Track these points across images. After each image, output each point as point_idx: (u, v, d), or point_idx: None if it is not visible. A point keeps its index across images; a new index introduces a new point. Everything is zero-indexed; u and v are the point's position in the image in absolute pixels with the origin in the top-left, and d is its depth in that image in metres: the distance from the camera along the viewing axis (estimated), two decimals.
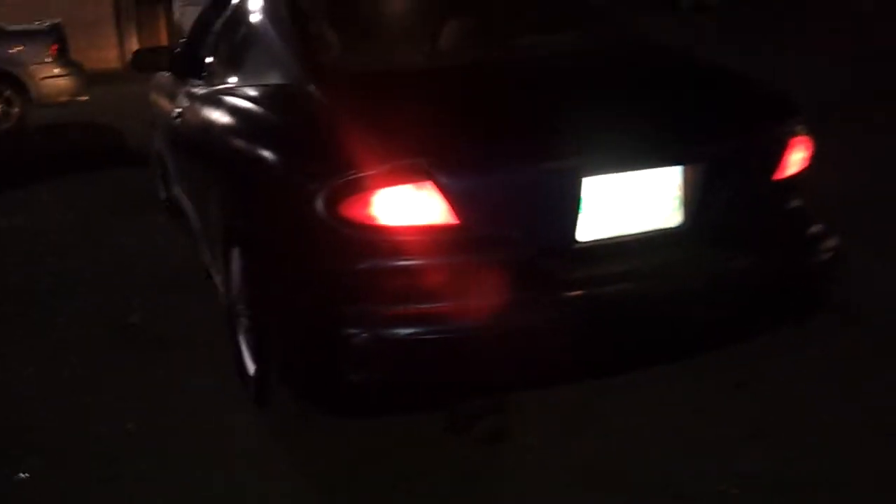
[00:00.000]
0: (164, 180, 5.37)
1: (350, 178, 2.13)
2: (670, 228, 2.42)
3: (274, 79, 2.90)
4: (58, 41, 9.80)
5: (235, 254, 2.82)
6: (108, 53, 16.68)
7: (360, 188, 2.13)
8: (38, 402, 3.11)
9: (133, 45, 19.34)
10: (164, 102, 4.77)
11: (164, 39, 20.36)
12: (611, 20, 3.55)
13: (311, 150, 2.35)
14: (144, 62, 4.73)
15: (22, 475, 2.62)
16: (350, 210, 2.15)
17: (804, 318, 2.73)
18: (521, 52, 3.28)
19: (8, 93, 9.56)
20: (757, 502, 2.32)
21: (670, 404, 2.81)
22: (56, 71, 9.71)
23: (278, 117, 2.66)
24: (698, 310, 2.39)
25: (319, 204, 2.15)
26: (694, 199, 2.41)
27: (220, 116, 3.07)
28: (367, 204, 2.14)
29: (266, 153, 2.55)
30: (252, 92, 2.93)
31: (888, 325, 3.31)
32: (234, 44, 3.47)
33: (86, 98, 10.01)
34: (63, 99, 9.83)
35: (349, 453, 2.62)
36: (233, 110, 2.97)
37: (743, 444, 2.57)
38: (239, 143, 2.82)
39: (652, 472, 2.46)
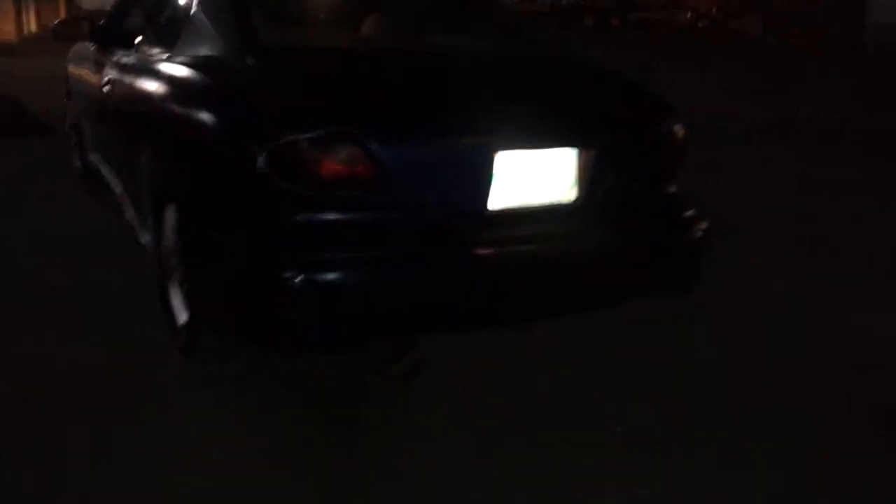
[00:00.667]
0: (81, 149, 5.46)
1: (290, 139, 2.40)
2: (566, 203, 2.77)
3: (212, 51, 3.12)
4: None
5: (170, 211, 3.03)
6: (5, 26, 16.22)
7: (298, 150, 2.40)
8: None
9: (32, 19, 18.84)
10: (85, 72, 4.89)
11: (62, 16, 19.82)
12: (524, 28, 4.00)
13: (253, 114, 2.59)
14: (65, 32, 4.84)
15: None
16: (288, 169, 2.41)
17: (678, 289, 3.13)
18: (443, 45, 3.67)
19: None
20: (642, 445, 2.67)
21: (565, 363, 3.19)
22: None
23: (220, 85, 2.88)
24: (586, 273, 2.76)
25: (261, 163, 2.41)
26: (587, 179, 2.78)
27: (157, 84, 3.26)
28: (303, 164, 2.42)
29: (208, 117, 2.79)
30: (191, 62, 3.14)
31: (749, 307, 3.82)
32: (169, 17, 3.68)
33: None
34: None
35: (272, 392, 2.90)
36: (171, 79, 3.17)
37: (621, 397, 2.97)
38: (178, 108, 3.04)
39: (544, 416, 2.81)
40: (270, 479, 2.42)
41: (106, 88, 4.11)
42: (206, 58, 3.12)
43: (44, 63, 11.08)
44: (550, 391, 2.99)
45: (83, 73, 4.98)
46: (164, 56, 3.43)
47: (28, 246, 4.42)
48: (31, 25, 19.94)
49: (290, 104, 2.56)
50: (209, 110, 2.79)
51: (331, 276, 2.39)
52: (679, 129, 3.04)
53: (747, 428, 2.80)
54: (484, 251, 2.60)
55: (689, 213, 3.07)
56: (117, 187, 4.22)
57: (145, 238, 3.50)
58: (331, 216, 2.46)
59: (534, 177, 2.69)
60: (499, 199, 2.63)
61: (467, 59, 3.38)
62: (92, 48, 4.67)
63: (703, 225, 3.05)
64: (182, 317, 3.02)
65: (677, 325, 3.52)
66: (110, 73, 4.10)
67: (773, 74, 15.08)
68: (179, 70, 3.16)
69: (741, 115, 9.58)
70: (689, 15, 32.13)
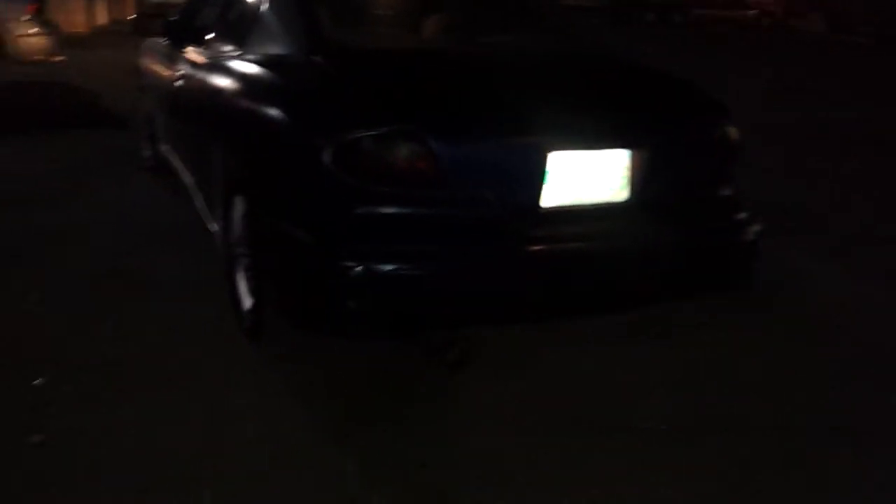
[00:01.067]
0: (151, 140, 5.70)
1: (356, 136, 2.54)
2: (617, 202, 2.87)
3: (281, 49, 3.28)
4: (36, 1, 9.98)
5: (238, 201, 3.20)
6: (76, 18, 16.76)
7: (363, 146, 2.54)
8: (42, 330, 3.39)
9: (102, 12, 19.40)
10: (157, 67, 5.11)
11: (130, 8, 20.37)
12: (580, 29, 4.08)
13: (320, 111, 2.74)
14: (144, 27, 5.07)
15: (38, 381, 2.96)
16: (353, 164, 2.56)
17: (726, 289, 3.21)
18: (502, 46, 3.80)
19: None
20: (680, 437, 2.75)
21: (611, 355, 3.28)
22: (33, 30, 9.91)
23: (289, 83, 3.05)
24: (635, 271, 2.85)
25: (327, 158, 2.55)
26: (638, 180, 2.86)
27: (228, 81, 3.44)
28: (367, 160, 2.56)
29: (277, 114, 2.93)
30: (261, 60, 3.30)
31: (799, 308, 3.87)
32: (239, 15, 3.86)
33: (62, 58, 10.19)
34: (38, 58, 10.03)
35: (327, 375, 3.06)
36: (242, 76, 3.34)
37: (668, 389, 3.05)
38: (249, 104, 3.19)
39: (587, 410, 2.89)
40: (317, 454, 2.57)
41: (178, 83, 4.31)
42: (276, 56, 3.29)
43: (115, 56, 11.47)
44: (592, 382, 3.08)
45: (155, 67, 5.21)
46: (235, 53, 3.60)
47: (104, 232, 4.63)
48: (102, 18, 20.55)
49: (356, 102, 2.71)
50: (279, 107, 2.94)
51: (389, 267, 2.52)
52: (731, 131, 3.10)
53: (783, 426, 2.85)
54: (536, 247, 2.70)
55: (741, 215, 3.12)
56: (187, 177, 4.42)
57: (213, 226, 3.68)
58: (391, 210, 2.59)
59: (586, 176, 2.79)
60: (552, 197, 2.74)
61: (524, 59, 3.49)
62: (164, 43, 4.88)
63: (755, 228, 3.10)
64: (247, 302, 3.18)
65: (727, 322, 3.59)
66: (182, 69, 4.30)
67: (839, 73, 14.84)
68: (250, 67, 3.33)
69: (807, 114, 9.48)
70: (753, 12, 31.68)
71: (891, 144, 8.12)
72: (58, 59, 10.18)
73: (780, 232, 3.28)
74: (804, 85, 11.83)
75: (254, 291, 3.12)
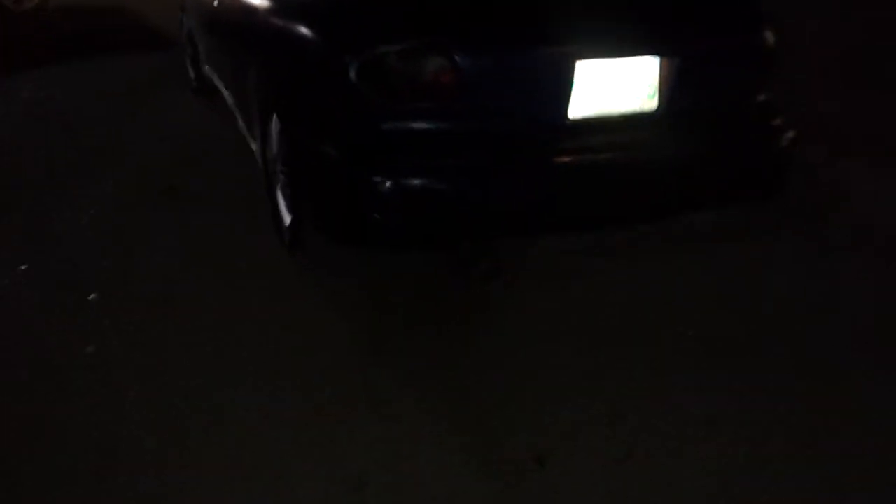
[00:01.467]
0: (194, 61, 5.77)
1: (381, 50, 2.57)
2: (647, 112, 2.85)
3: None
4: None
5: (274, 120, 3.26)
6: None
7: (389, 59, 2.57)
8: (94, 246, 3.58)
9: None
10: None
11: None
12: None
13: (345, 26, 2.76)
14: None
15: (92, 296, 3.13)
16: (379, 78, 2.59)
17: (761, 198, 3.20)
18: None
19: None
20: (714, 349, 2.77)
21: (644, 268, 3.31)
22: None
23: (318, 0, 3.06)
24: (665, 180, 2.86)
25: (352, 73, 2.59)
26: (668, 88, 2.84)
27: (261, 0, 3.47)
28: (393, 73, 2.59)
29: (304, 30, 2.95)
30: None
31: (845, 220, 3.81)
32: None
33: None
34: None
35: (366, 288, 3.16)
36: None
37: (702, 306, 3.06)
38: (278, 20, 3.22)
39: (619, 322, 2.94)
40: (350, 364, 2.69)
41: (216, 2, 4.34)
42: None
43: None
44: (628, 295, 3.11)
45: None
46: None
47: (154, 151, 4.77)
48: None
49: (380, 16, 2.71)
50: (307, 24, 2.96)
51: (416, 181, 2.58)
52: (768, 36, 3.03)
53: (821, 342, 2.84)
54: (564, 159, 2.73)
55: (776, 121, 3.08)
56: (229, 98, 4.49)
57: (254, 145, 3.77)
58: (417, 125, 2.63)
59: (614, 85, 2.77)
60: (579, 107, 2.74)
61: None
62: None
63: (790, 134, 3.07)
64: (287, 218, 3.28)
65: (765, 234, 3.58)
66: None
67: None
68: None
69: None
70: None
71: None
72: None
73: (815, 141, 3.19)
74: None
75: (292, 207, 3.21)
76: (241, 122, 4.15)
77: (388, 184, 2.55)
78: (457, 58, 2.57)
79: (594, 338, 2.83)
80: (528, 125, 2.71)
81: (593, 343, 2.80)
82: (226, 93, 4.61)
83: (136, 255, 3.48)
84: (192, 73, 5.94)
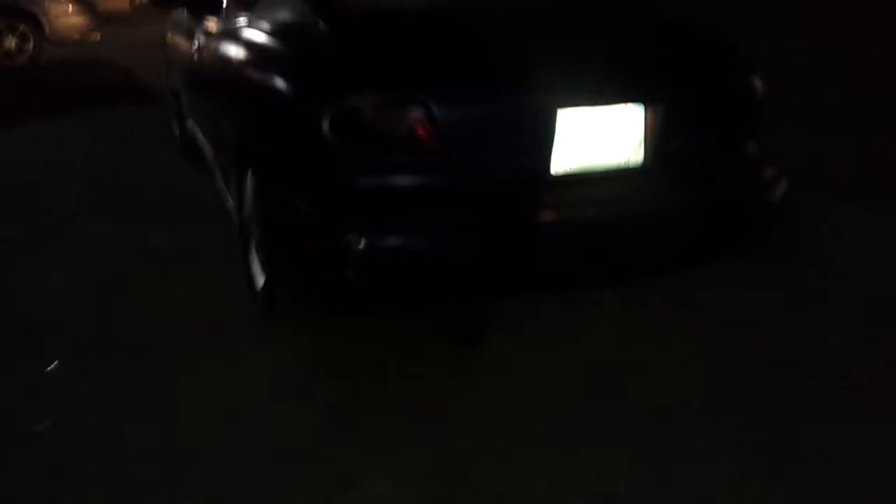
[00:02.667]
0: (179, 117, 5.68)
1: (354, 102, 2.45)
2: (633, 164, 2.72)
3: (288, 16, 3.18)
4: None
5: (249, 176, 3.14)
6: None
7: (363, 113, 2.45)
8: (66, 305, 3.43)
9: None
10: (180, 40, 5.06)
11: None
12: None
13: (319, 78, 2.64)
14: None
15: (53, 365, 2.95)
16: (353, 132, 2.46)
17: (746, 250, 3.06)
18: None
19: (23, 27, 9.80)
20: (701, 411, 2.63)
21: (627, 323, 3.18)
22: (71, 9, 9.97)
23: (289, 48, 2.93)
24: (650, 239, 2.71)
25: (326, 126, 2.46)
26: (654, 138, 2.70)
27: (235, 49, 3.36)
28: (368, 127, 2.46)
29: (277, 81, 2.84)
30: (267, 28, 3.21)
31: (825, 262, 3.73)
32: None
33: (98, 37, 10.26)
34: (76, 37, 10.10)
35: (341, 354, 2.99)
36: (247, 43, 3.25)
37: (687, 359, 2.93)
38: (252, 73, 3.12)
39: (606, 380, 2.79)
40: (324, 434, 2.52)
41: (196, 56, 4.26)
42: (282, 23, 3.19)
43: (153, 32, 11.49)
44: (610, 351, 2.97)
45: (178, 40, 5.15)
46: (245, 22, 3.52)
47: (135, 211, 4.63)
48: None
49: (355, 67, 2.59)
50: (280, 75, 2.84)
51: (393, 240, 2.44)
52: (755, 82, 2.92)
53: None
54: (547, 216, 2.59)
55: (767, 171, 2.96)
56: (209, 153, 4.38)
57: (230, 203, 3.64)
58: (394, 180, 2.49)
59: (598, 136, 2.65)
60: (562, 161, 2.61)
61: (532, 13, 3.20)
62: (186, 15, 4.82)
63: (782, 186, 2.94)
64: (260, 280, 3.14)
65: (744, 278, 3.46)
66: (199, 40, 4.24)
67: None
68: (256, 35, 3.24)
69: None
70: None
71: None
72: (95, 37, 10.25)
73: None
74: None
75: (264, 268, 3.07)
76: (219, 180, 4.03)
77: (362, 243, 2.41)
78: (433, 109, 2.44)
79: (587, 398, 2.69)
80: (510, 180, 2.56)
81: (586, 404, 2.66)
82: (206, 148, 4.50)
83: (105, 319, 3.31)
84: (176, 130, 5.84)
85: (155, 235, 4.18)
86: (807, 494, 2.25)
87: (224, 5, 4.02)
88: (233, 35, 3.54)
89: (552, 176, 2.61)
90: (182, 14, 5.03)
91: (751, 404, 2.65)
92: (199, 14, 4.42)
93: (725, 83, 2.89)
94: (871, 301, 3.36)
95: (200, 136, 4.73)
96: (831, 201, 4.35)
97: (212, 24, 4.10)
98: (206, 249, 3.95)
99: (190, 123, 5.15)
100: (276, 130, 2.83)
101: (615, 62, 2.73)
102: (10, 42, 9.75)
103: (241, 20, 3.58)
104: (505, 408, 2.63)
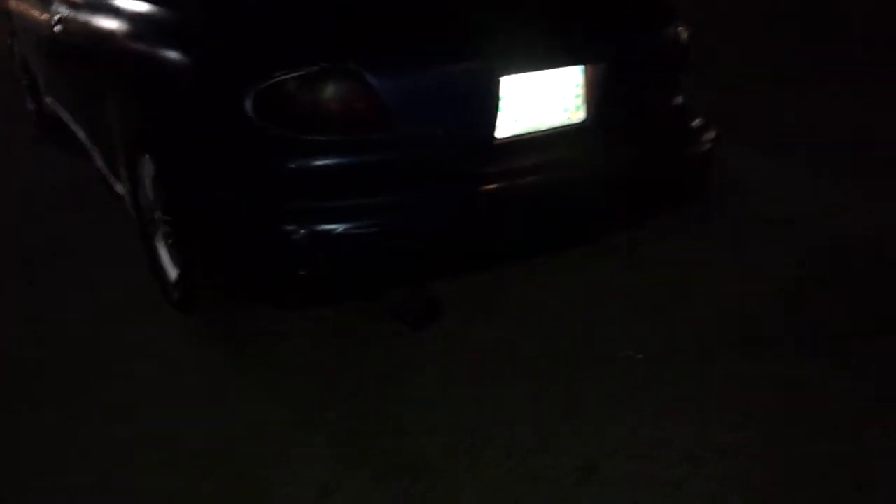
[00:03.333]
0: (32, 92, 5.15)
1: (280, 78, 2.18)
2: (574, 124, 2.60)
3: None
4: None
5: (146, 161, 2.82)
6: None
7: (290, 89, 2.19)
8: None
9: None
10: (31, 11, 4.53)
11: None
12: None
13: (235, 53, 2.35)
14: None
15: None
16: (280, 112, 2.21)
17: (688, 201, 3.01)
18: None
19: None
20: (657, 364, 2.61)
21: (573, 286, 3.09)
22: None
23: (195, 20, 2.59)
24: (600, 197, 2.61)
25: (248, 106, 2.20)
26: (594, 97, 2.60)
27: (119, 22, 2.98)
28: (296, 105, 2.21)
29: (182, 57, 2.53)
30: None
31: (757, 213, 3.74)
32: None
33: None
34: None
35: (280, 350, 2.76)
36: (136, 15, 2.89)
37: (639, 318, 2.88)
38: (147, 47, 2.76)
39: (561, 346, 2.72)
40: (275, 435, 2.33)
41: (57, 28, 3.80)
42: None
43: None
44: (560, 317, 2.90)
45: (27, 9, 4.62)
46: None
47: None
48: None
49: (277, 38, 2.31)
50: (185, 50, 2.52)
51: (336, 226, 2.20)
52: (682, 32, 2.87)
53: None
54: (495, 185, 2.42)
55: (696, 122, 2.92)
56: (81, 133, 3.97)
57: (120, 188, 3.29)
58: (331, 161, 2.25)
59: (540, 99, 2.51)
60: (506, 127, 2.46)
61: None
62: None
63: (712, 134, 2.90)
64: (172, 273, 2.84)
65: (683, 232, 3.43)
66: (60, 10, 3.79)
67: None
68: (142, 6, 2.87)
69: None
70: None
71: None
72: None
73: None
74: None
75: (178, 260, 2.77)
76: (99, 161, 3.65)
77: (301, 233, 2.17)
78: (370, 80, 2.22)
79: (545, 367, 2.60)
80: (455, 150, 2.38)
81: (545, 373, 2.57)
82: (76, 127, 4.07)
83: None
84: (30, 105, 5.30)
85: (33, 227, 3.75)
86: None
87: None
88: (109, 6, 3.14)
89: (497, 140, 2.45)
90: None
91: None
92: None
93: (656, 37, 2.82)
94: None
95: (66, 114, 4.28)
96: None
97: None
98: (98, 238, 3.58)
99: (49, 99, 4.66)
100: (181, 111, 2.52)
101: (554, 25, 2.60)
102: None
103: None
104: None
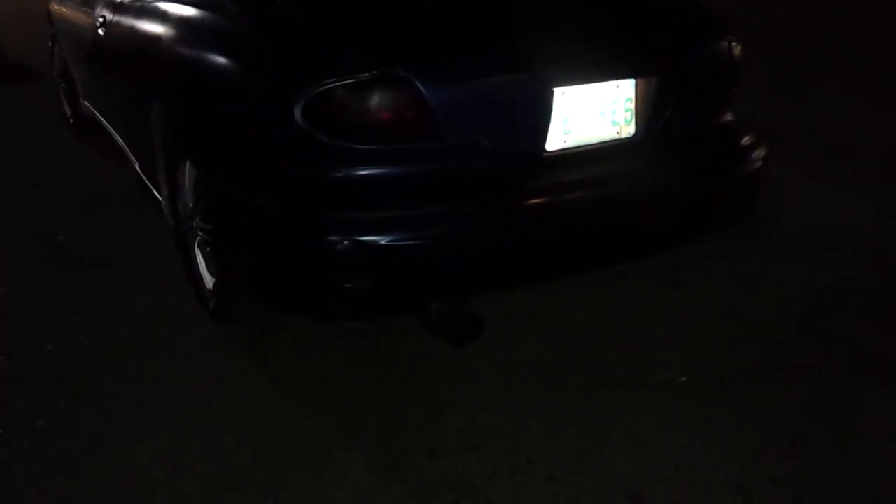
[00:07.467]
0: (69, 95, 5.16)
1: (330, 85, 2.14)
2: (625, 138, 2.54)
3: None
4: None
5: (187, 167, 2.79)
6: None
7: (339, 96, 2.15)
8: None
9: None
10: (74, 14, 4.54)
11: None
12: None
13: (286, 59, 2.31)
14: None
15: None
16: (329, 119, 2.16)
17: (737, 220, 2.94)
18: None
19: None
20: (700, 386, 2.54)
21: (616, 303, 3.04)
22: None
23: (246, 26, 2.53)
24: (648, 214, 2.54)
25: (297, 114, 2.16)
26: (645, 112, 2.55)
27: (166, 26, 2.95)
28: (346, 113, 2.17)
29: (233, 64, 2.47)
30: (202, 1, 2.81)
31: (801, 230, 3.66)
32: None
33: None
34: None
35: (315, 362, 2.71)
36: (184, 19, 2.84)
37: (683, 338, 2.81)
38: (194, 52, 2.72)
39: (603, 366, 2.65)
40: (310, 448, 2.28)
41: (101, 31, 3.79)
42: None
43: (24, 2, 10.56)
44: (606, 336, 2.84)
45: (71, 13, 4.63)
46: None
47: (35, 204, 4.15)
48: None
49: (328, 45, 2.27)
50: (233, 56, 2.48)
51: (381, 237, 2.14)
52: (735, 46, 2.81)
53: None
54: (544, 199, 2.36)
55: (748, 139, 2.85)
56: (119, 137, 3.95)
57: (158, 195, 3.26)
58: (378, 170, 2.21)
59: (591, 113, 2.45)
60: (556, 139, 2.40)
61: None
62: None
63: (763, 152, 2.84)
64: (209, 282, 2.80)
65: (730, 253, 3.37)
66: (105, 13, 3.78)
67: None
68: (193, 10, 2.83)
69: None
70: None
71: None
72: None
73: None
74: None
75: (217, 270, 2.73)
76: (137, 167, 3.63)
77: (346, 243, 2.12)
78: (421, 89, 2.17)
79: (588, 389, 2.54)
80: (505, 162, 2.33)
81: (587, 395, 2.52)
82: (114, 131, 4.06)
83: (16, 336, 2.90)
84: (67, 109, 5.31)
85: (68, 231, 3.74)
86: None
87: None
88: (157, 8, 3.11)
89: (547, 153, 2.39)
90: None
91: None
92: None
93: (709, 51, 2.76)
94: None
95: (104, 117, 4.27)
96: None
97: None
98: (127, 245, 3.56)
99: (88, 103, 4.66)
100: (227, 117, 2.48)
101: (607, 37, 2.56)
102: None
103: None
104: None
